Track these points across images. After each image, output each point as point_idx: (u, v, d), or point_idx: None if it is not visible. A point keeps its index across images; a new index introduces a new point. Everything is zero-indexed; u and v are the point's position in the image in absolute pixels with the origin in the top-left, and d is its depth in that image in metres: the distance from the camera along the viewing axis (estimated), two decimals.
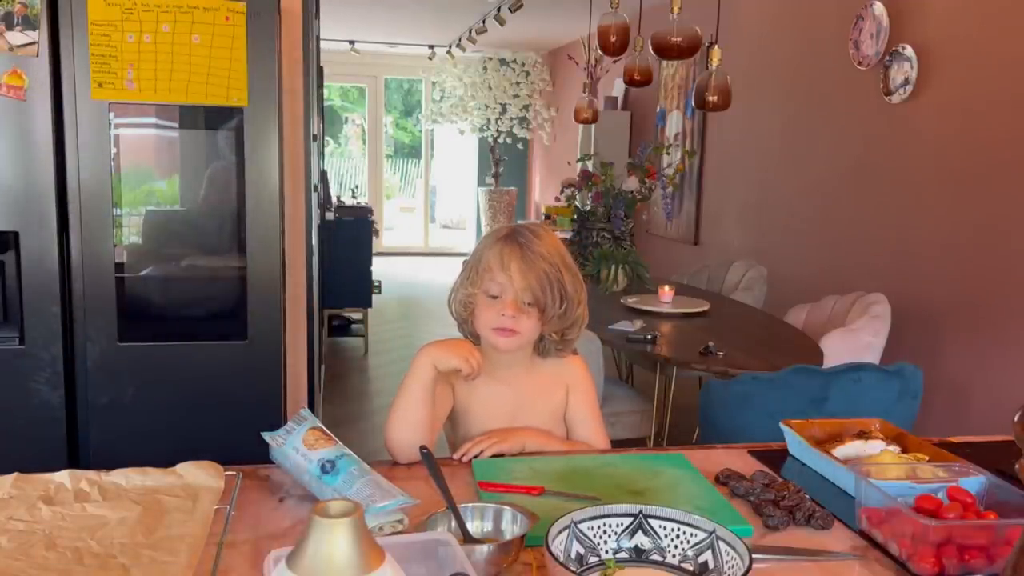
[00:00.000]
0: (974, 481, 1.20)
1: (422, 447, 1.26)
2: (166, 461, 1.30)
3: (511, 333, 1.45)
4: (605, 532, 1.04)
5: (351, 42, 9.30)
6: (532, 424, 1.50)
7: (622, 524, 1.04)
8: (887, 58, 3.81)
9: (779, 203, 4.92)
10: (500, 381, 1.51)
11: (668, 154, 6.19)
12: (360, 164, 11.11)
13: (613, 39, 4.04)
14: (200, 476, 1.26)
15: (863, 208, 4.07)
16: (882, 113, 3.89)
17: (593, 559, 1.02)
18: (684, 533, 1.02)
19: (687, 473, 1.34)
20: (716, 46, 3.69)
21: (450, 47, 9.16)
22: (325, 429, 1.26)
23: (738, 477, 1.32)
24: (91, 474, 1.25)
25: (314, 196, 2.92)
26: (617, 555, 1.03)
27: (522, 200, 10.66)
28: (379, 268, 5.77)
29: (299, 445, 1.23)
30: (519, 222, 1.46)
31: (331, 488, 1.17)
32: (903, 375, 2.38)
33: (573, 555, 1.01)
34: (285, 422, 1.29)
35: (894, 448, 1.39)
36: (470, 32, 7.72)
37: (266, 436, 1.27)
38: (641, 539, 1.04)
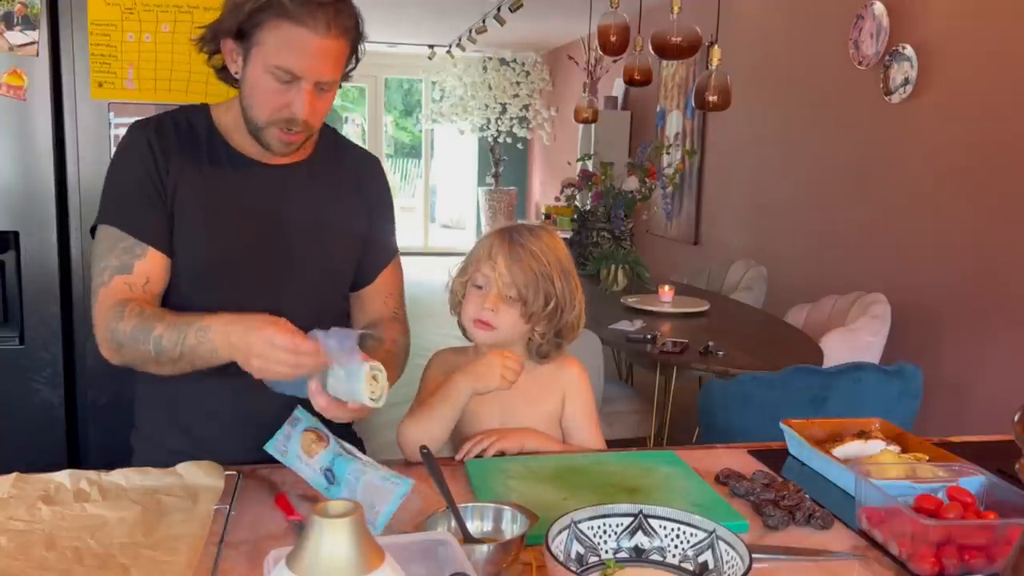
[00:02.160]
0: (974, 481, 1.20)
1: (422, 447, 1.26)
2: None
3: (488, 327, 1.44)
4: (605, 532, 1.04)
5: None
6: (527, 427, 1.50)
7: (622, 524, 1.04)
8: (887, 58, 3.81)
9: (779, 203, 4.92)
10: None
11: (668, 154, 6.19)
12: None
13: (613, 39, 4.04)
14: (200, 476, 1.26)
15: (863, 208, 4.07)
16: (882, 113, 3.89)
17: (593, 559, 1.02)
18: (684, 533, 1.02)
19: (679, 470, 1.35)
20: (716, 46, 3.68)
21: (450, 47, 9.16)
22: (319, 428, 1.24)
23: (738, 477, 1.32)
24: (91, 474, 1.25)
25: None
26: (617, 555, 1.03)
27: (522, 200, 10.66)
28: None
29: (300, 454, 1.22)
30: (525, 221, 1.46)
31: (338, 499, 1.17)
32: (903, 375, 2.38)
33: (573, 555, 1.01)
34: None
35: (894, 448, 1.40)
36: (470, 32, 7.72)
37: (269, 450, 1.25)
38: (641, 539, 1.04)
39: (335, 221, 1.47)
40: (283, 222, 1.42)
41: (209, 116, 1.43)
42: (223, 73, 1.38)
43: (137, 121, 1.42)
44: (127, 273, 1.33)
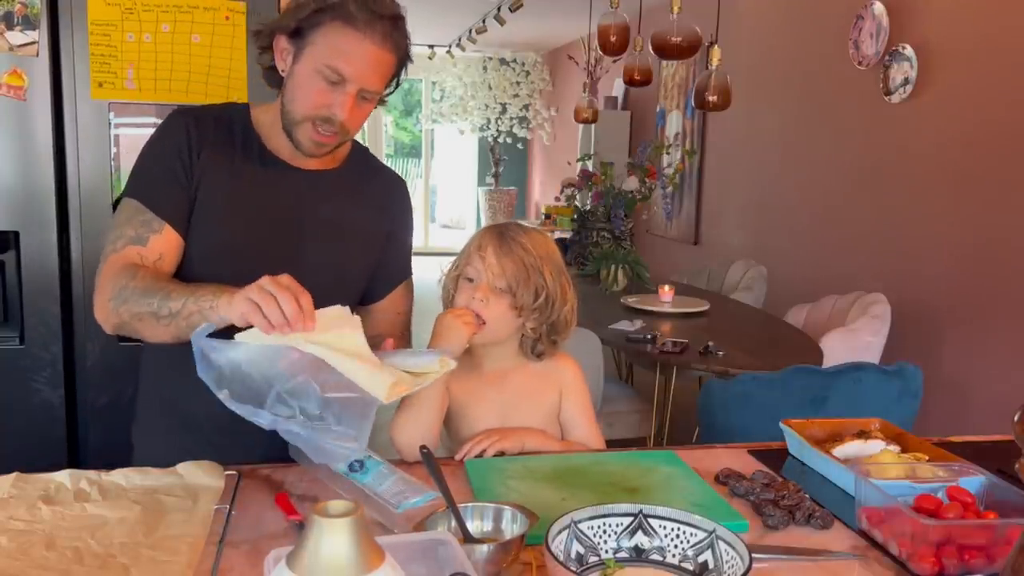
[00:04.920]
0: (974, 481, 1.20)
1: (422, 447, 1.26)
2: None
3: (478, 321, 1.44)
4: (605, 532, 1.04)
5: None
6: (526, 425, 1.50)
7: (622, 524, 1.04)
8: (887, 58, 3.81)
9: (779, 203, 4.92)
10: (492, 381, 1.51)
11: (668, 154, 6.19)
12: None
13: (613, 39, 4.04)
14: (200, 476, 1.26)
15: (863, 208, 4.07)
16: (882, 113, 3.89)
17: (593, 559, 1.02)
18: (684, 533, 1.02)
19: (679, 470, 1.34)
20: (716, 46, 3.68)
21: (450, 47, 9.16)
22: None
23: (738, 477, 1.32)
24: (91, 474, 1.25)
25: None
26: (617, 555, 1.03)
27: (522, 200, 10.66)
28: None
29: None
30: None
31: (362, 485, 1.21)
32: (903, 375, 2.38)
33: (573, 555, 1.01)
34: None
35: (894, 448, 1.40)
36: (470, 32, 7.72)
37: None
38: (641, 539, 1.04)
39: (353, 231, 1.49)
40: (301, 224, 1.44)
41: (248, 115, 1.46)
42: (269, 72, 1.42)
43: (178, 108, 1.47)
44: (141, 245, 1.35)
